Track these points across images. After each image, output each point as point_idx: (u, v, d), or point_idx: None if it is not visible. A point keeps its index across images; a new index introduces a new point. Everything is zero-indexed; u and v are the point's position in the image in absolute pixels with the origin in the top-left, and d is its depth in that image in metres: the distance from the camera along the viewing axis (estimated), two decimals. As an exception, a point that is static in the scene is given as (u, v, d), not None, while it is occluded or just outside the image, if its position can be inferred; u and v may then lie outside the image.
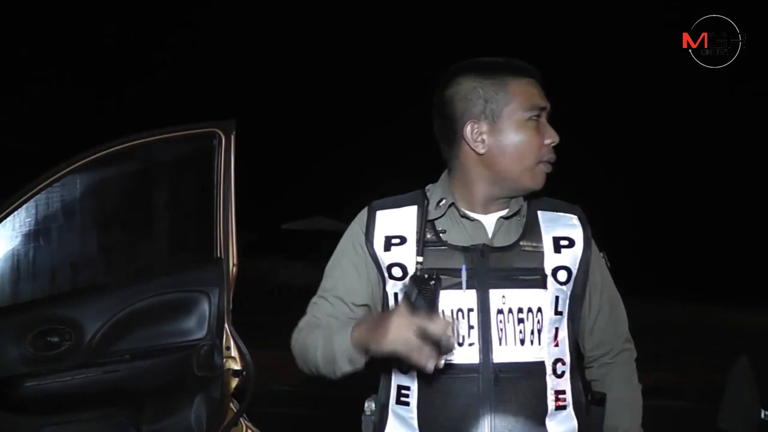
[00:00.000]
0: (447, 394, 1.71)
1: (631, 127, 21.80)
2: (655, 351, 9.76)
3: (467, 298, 1.70)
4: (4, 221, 2.75)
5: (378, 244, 1.79)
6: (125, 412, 2.74)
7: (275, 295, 13.62)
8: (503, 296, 1.71)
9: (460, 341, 1.69)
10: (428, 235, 1.76)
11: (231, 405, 2.88)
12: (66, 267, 2.95)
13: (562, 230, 1.80)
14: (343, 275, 1.84)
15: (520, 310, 1.71)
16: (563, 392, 1.76)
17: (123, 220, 3.07)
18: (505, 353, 1.70)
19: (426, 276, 1.67)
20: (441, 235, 1.76)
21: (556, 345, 1.75)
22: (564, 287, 1.76)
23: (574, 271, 1.78)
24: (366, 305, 1.83)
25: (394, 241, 1.78)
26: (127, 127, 3.12)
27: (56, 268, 2.93)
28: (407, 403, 1.76)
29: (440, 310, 1.67)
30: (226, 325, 2.84)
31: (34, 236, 2.84)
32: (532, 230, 1.78)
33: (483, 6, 20.84)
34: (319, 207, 24.56)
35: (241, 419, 2.89)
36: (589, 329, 1.88)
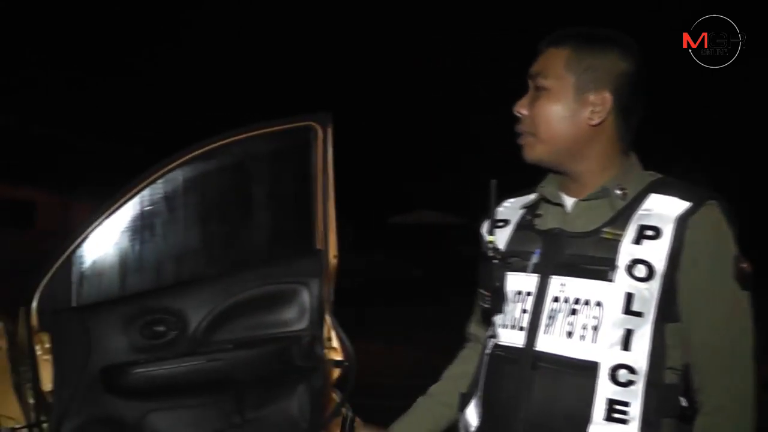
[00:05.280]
0: (498, 375, 1.74)
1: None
2: None
3: (529, 281, 1.68)
4: (111, 217, 2.84)
5: (486, 228, 1.85)
6: (229, 399, 2.79)
7: (382, 288, 13.74)
8: (563, 284, 1.62)
9: (513, 323, 1.69)
10: (526, 219, 1.79)
11: (333, 395, 2.90)
12: (170, 260, 3.02)
13: (656, 219, 1.58)
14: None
15: (576, 301, 1.58)
16: (624, 404, 1.54)
17: (223, 213, 3.12)
18: (548, 343, 1.61)
19: (490, 255, 1.76)
20: (536, 219, 1.77)
21: (626, 349, 1.55)
22: (643, 285, 1.55)
23: (659, 268, 1.55)
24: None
25: (498, 224, 1.82)
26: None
27: (161, 261, 3.00)
28: (477, 382, 1.84)
29: (505, 291, 1.72)
30: (326, 316, 2.86)
31: (140, 231, 2.92)
32: (624, 215, 1.61)
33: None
34: (421, 201, 24.88)
35: (343, 408, 2.90)
36: (693, 361, 1.58)
